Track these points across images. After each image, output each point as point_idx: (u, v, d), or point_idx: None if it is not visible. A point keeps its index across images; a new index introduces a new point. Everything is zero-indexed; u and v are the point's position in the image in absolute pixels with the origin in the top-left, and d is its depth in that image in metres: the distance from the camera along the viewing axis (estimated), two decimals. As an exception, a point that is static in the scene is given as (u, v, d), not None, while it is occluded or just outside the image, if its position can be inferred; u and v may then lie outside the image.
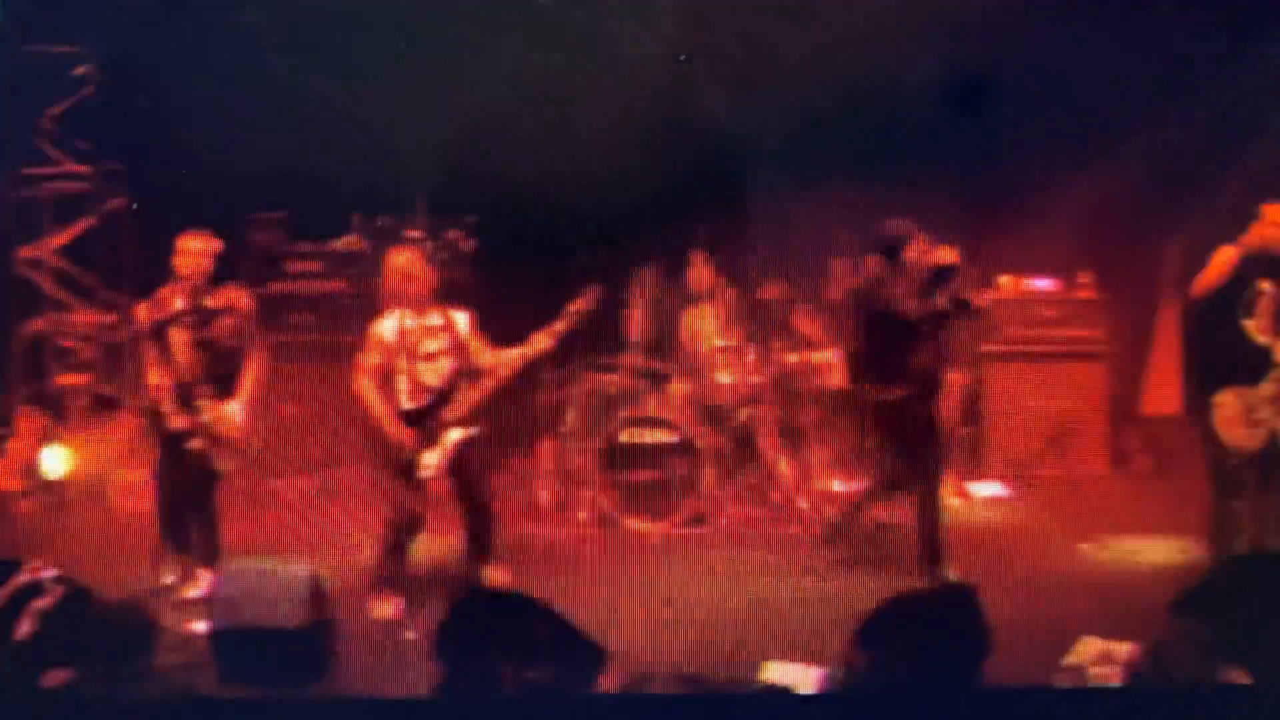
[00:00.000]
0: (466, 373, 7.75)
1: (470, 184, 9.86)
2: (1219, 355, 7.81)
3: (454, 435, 7.68)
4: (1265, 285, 7.72)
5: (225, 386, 7.81)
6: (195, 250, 7.81)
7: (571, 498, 9.22)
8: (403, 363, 7.66)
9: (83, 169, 9.91)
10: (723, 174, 10.13)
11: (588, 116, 9.65)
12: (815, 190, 9.64)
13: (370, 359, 7.69)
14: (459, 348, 7.73)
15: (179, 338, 7.76)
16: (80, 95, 9.71)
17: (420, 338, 7.69)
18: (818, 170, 9.54)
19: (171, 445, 7.79)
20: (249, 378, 7.88)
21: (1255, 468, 7.79)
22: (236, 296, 7.94)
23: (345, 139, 9.33)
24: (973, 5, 9.36)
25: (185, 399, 7.72)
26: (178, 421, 7.71)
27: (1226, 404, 7.77)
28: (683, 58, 9.78)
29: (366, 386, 7.67)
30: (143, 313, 7.88)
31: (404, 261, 7.86)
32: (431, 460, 7.64)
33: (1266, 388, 7.71)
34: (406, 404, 7.66)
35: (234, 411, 7.80)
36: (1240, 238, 7.84)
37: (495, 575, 7.84)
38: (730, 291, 9.64)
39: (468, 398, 7.71)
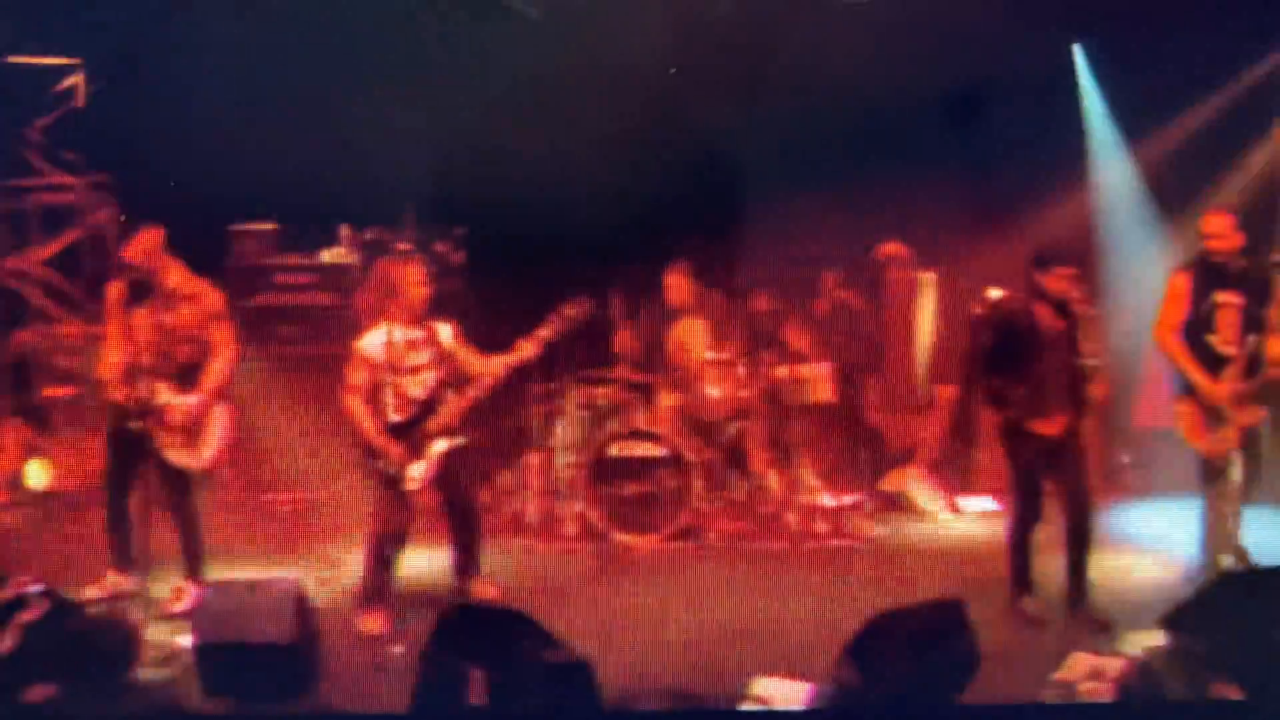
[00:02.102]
0: (451, 384, 7.71)
1: (458, 196, 9.84)
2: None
3: (439, 446, 7.63)
4: (1222, 297, 7.66)
5: (187, 379, 7.75)
6: (145, 239, 7.71)
7: (559, 511, 9.18)
8: (388, 376, 7.62)
9: (69, 180, 9.87)
10: (713, 186, 10.12)
11: (578, 129, 9.63)
12: (805, 203, 9.62)
13: (357, 376, 7.64)
14: (443, 359, 7.69)
15: (141, 319, 7.70)
16: (67, 106, 9.67)
17: (405, 351, 7.65)
18: (808, 183, 9.52)
19: (120, 429, 7.72)
20: (211, 374, 7.77)
21: (1231, 473, 7.71)
22: (203, 287, 7.82)
23: (332, 150, 9.30)
24: (966, 16, 9.37)
25: (136, 379, 7.64)
26: (124, 398, 7.63)
27: (1187, 413, 7.74)
28: (673, 70, 9.77)
29: (354, 404, 7.62)
30: (113, 292, 7.83)
31: (390, 275, 7.81)
32: (417, 472, 7.59)
33: (1220, 390, 7.62)
34: (393, 416, 7.61)
35: (190, 404, 7.73)
36: (1188, 260, 7.82)
37: (482, 589, 7.79)
38: (719, 304, 9.62)
39: (453, 408, 7.66)
